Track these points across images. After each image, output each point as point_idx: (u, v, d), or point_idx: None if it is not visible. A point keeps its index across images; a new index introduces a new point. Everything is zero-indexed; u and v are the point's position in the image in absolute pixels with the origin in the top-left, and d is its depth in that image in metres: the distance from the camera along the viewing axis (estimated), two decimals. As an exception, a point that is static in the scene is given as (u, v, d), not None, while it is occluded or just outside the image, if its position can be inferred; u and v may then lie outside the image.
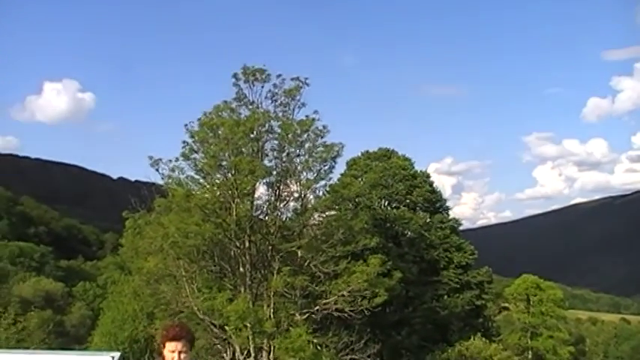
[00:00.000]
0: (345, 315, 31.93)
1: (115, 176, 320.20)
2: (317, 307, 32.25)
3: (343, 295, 31.41)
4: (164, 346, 5.53)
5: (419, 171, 53.01)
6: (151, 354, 41.18)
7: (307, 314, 32.23)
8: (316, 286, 32.15)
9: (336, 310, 31.87)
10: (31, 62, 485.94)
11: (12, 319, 42.15)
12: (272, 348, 31.14)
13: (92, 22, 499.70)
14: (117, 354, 6.39)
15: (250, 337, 30.56)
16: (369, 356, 34.39)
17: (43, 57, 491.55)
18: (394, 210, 50.44)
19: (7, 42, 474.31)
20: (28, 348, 39.16)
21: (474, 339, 45.46)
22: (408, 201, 50.70)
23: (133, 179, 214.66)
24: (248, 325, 30.11)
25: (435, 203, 52.81)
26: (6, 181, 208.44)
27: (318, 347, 31.42)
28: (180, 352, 5.46)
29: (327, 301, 31.94)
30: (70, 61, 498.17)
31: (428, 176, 53.45)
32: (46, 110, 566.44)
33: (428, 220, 51.38)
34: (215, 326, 31.53)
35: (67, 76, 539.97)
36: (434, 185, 53.99)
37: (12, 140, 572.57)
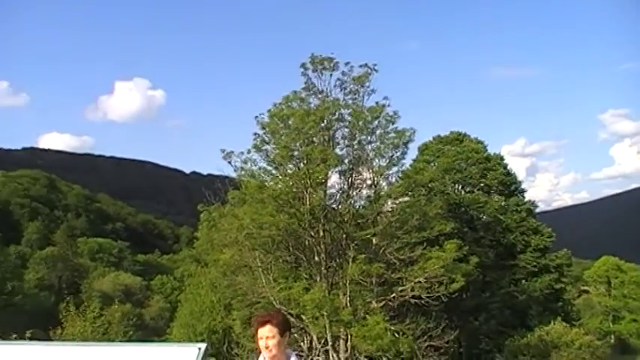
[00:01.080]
0: (422, 301, 31.56)
1: (187, 171, 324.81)
2: (393, 295, 31.95)
3: (419, 282, 31.07)
4: (256, 333, 5.48)
5: (492, 154, 52.17)
6: (229, 344, 41.60)
7: (384, 302, 31.98)
8: (392, 273, 31.90)
9: (413, 296, 31.52)
10: (102, 63, 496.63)
11: (97, 312, 43.02)
12: (349, 336, 31.06)
13: (160, 20, 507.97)
14: (203, 345, 6.31)
15: (327, 326, 30.50)
16: (447, 342, 34.02)
17: (113, 57, 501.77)
18: (468, 194, 49.79)
19: (79, 45, 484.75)
20: (113, 341, 39.96)
21: (553, 323, 44.51)
22: (482, 184, 49.99)
23: (205, 173, 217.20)
24: (325, 313, 30.04)
25: (510, 186, 51.90)
26: (83, 180, 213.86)
27: (396, 334, 31.12)
28: (267, 338, 5.39)
29: (404, 288, 31.64)
30: (140, 61, 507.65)
31: (501, 159, 52.57)
32: (118, 109, 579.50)
33: (503, 203, 50.53)
34: (292, 315, 31.51)
35: (138, 75, 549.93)
36: (508, 168, 53.06)
37: (87, 140, 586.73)
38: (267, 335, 5.39)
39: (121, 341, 39.33)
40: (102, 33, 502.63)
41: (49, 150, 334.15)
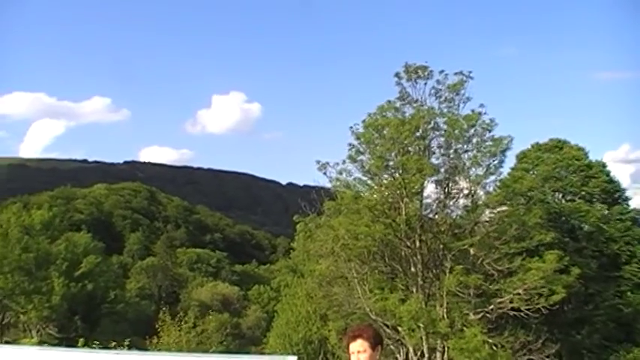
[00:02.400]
0: (521, 314, 30.78)
1: (284, 182, 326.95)
2: (491, 306, 31.29)
3: (519, 294, 30.30)
4: (348, 348, 5.42)
5: (594, 161, 50.54)
6: (324, 355, 41.63)
7: (482, 313, 31.35)
8: (490, 284, 31.21)
9: (512, 308, 30.76)
10: (200, 79, 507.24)
11: (192, 322, 43.75)
12: (446, 349, 30.61)
13: (254, 36, 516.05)
14: (294, 358, 6.29)
15: (424, 338, 30.17)
16: (547, 356, 33.05)
17: (211, 73, 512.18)
18: (569, 203, 48.33)
19: (177, 63, 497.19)
20: (207, 351, 40.53)
21: (662, 338, 42.73)
22: (583, 193, 48.43)
23: (301, 184, 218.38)
24: (421, 325, 29.72)
25: (613, 194, 50.10)
26: (182, 192, 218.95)
27: (494, 347, 30.48)
28: (358, 352, 5.33)
29: (502, 299, 30.94)
30: (236, 75, 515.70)
31: (604, 166, 50.81)
32: (215, 122, 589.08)
33: (606, 212, 48.81)
34: (388, 327, 31.32)
35: (234, 88, 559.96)
36: (611, 175, 51.30)
37: (186, 152, 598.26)
38: (358, 350, 5.34)
39: (214, 352, 39.86)
40: (199, 50, 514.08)
41: (149, 163, 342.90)
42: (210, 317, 52.57)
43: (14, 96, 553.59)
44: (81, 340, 31.84)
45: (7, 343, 50.12)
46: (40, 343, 49.08)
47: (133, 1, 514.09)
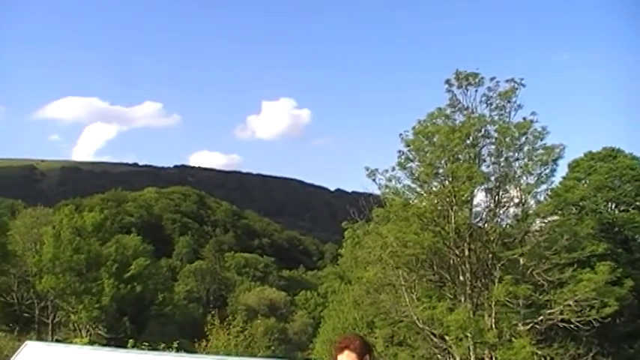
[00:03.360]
0: (572, 326, 30.30)
1: (332, 188, 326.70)
2: (541, 318, 30.86)
3: (569, 305, 29.85)
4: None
5: (648, 170, 49.63)
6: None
7: (531, 324, 30.95)
8: (540, 295, 30.80)
9: (562, 320, 30.32)
10: (250, 84, 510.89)
11: (241, 326, 44.00)
12: (494, 359, 30.26)
13: (302, 41, 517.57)
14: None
15: (471, 348, 29.91)
16: (598, 370, 32.57)
17: (261, 79, 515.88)
18: (622, 213, 47.45)
19: (228, 68, 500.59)
20: (255, 355, 40.71)
21: None
22: (638, 203, 47.56)
23: (349, 190, 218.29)
24: (469, 335, 29.49)
25: (668, 205, 49.18)
26: (231, 197, 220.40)
27: (543, 359, 30.10)
28: None
29: (552, 311, 30.50)
30: (286, 81, 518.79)
31: (659, 176, 49.92)
32: (265, 128, 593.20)
33: (661, 223, 47.95)
34: (435, 336, 31.14)
35: (284, 95, 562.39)
36: (666, 185, 50.27)
37: (235, 158, 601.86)
38: None
39: (261, 356, 40.03)
40: (250, 56, 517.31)
41: (198, 167, 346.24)
42: (259, 322, 52.73)
43: (67, 100, 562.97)
44: (130, 341, 32.24)
45: (57, 341, 50.97)
46: (91, 342, 49.71)
47: (184, 7, 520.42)
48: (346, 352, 5.13)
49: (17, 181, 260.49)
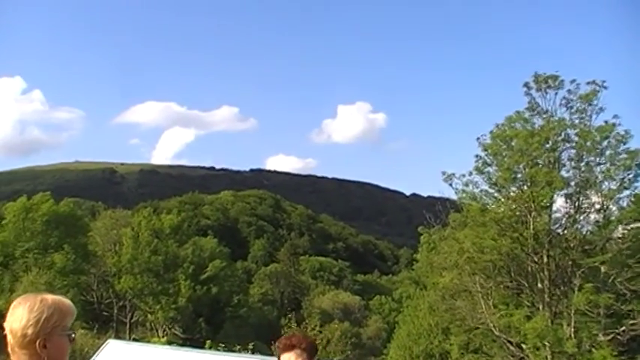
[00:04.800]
0: (656, 337, 29.44)
1: (408, 192, 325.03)
2: (623, 328, 29.94)
3: (653, 316, 28.97)
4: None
5: None
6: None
7: (612, 335, 30.05)
8: (622, 304, 29.87)
9: (645, 331, 29.46)
10: (326, 88, 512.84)
11: (318, 330, 44.19)
12: (573, 369, 29.53)
13: (378, 45, 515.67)
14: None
15: (549, 357, 29.27)
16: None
17: (336, 82, 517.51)
18: None
19: (304, 72, 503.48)
20: (323, 358, 40.70)
21: None
22: None
23: (425, 195, 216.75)
24: (547, 344, 28.86)
25: None
26: (306, 200, 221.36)
27: (625, 371, 29.25)
28: None
29: (635, 321, 29.57)
30: (362, 85, 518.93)
31: None
32: (340, 132, 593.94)
33: None
34: (511, 344, 30.59)
35: (360, 98, 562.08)
36: None
37: (311, 162, 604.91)
38: None
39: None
40: (325, 60, 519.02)
41: (274, 171, 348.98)
42: (336, 326, 52.81)
43: (146, 105, 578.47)
44: (208, 342, 32.64)
45: (134, 340, 51.97)
46: (168, 342, 50.58)
47: (261, 13, 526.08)
48: (296, 352, 4.68)
49: (98, 183, 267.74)
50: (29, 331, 3.07)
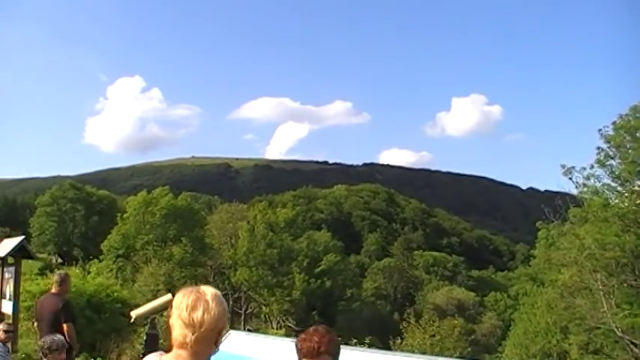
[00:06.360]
0: None
1: (524, 187, 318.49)
2: None
3: None
4: None
5: None
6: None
7: None
8: None
9: None
10: (439, 81, 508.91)
11: (437, 326, 43.81)
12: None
13: (491, 36, 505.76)
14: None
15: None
16: None
17: (451, 75, 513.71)
18: None
19: (417, 66, 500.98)
20: (451, 356, 40.08)
21: None
22: None
23: (542, 189, 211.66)
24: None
25: None
26: (420, 195, 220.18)
27: None
28: None
29: None
30: (477, 77, 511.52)
31: None
32: (455, 125, 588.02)
33: None
34: (635, 346, 29.23)
35: (474, 91, 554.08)
36: None
37: (425, 155, 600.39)
38: None
39: (449, 356, 39.31)
40: (439, 53, 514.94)
41: (388, 165, 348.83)
42: (455, 322, 52.24)
43: (260, 101, 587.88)
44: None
45: (249, 331, 52.75)
46: (286, 335, 51.13)
47: (371, 8, 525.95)
48: (326, 358, 3.68)
49: (214, 178, 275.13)
50: (219, 324, 2.94)
